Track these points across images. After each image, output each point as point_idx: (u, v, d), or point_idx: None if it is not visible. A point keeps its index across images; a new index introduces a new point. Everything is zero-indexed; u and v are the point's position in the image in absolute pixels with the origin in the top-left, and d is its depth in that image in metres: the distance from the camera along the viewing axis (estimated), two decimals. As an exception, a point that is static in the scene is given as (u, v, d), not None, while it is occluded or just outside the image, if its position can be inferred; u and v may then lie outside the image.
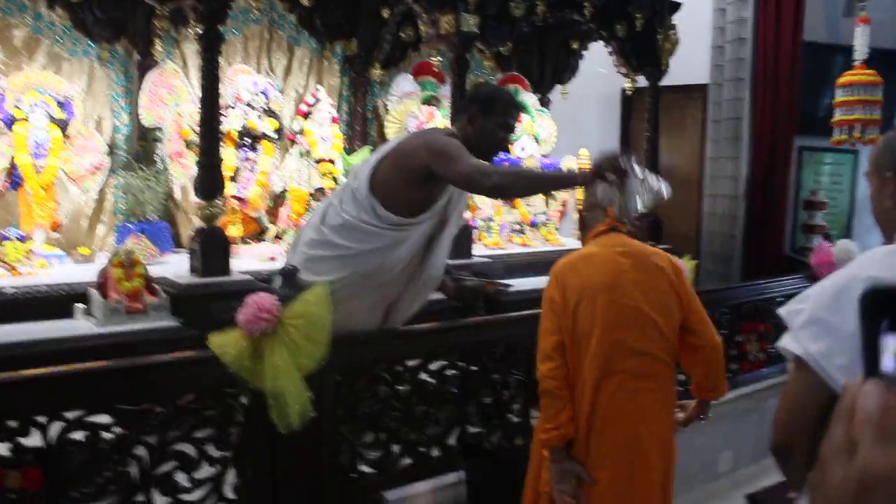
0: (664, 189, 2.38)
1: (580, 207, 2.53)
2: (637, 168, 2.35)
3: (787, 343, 1.50)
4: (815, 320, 1.46)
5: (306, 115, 5.09)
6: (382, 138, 5.77)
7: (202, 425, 2.33)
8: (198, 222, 3.78)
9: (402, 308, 2.86)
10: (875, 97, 5.07)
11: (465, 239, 4.44)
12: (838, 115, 5.11)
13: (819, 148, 6.52)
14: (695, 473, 3.84)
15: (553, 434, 2.26)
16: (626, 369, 2.25)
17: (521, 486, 2.63)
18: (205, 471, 2.34)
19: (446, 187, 2.67)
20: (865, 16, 5.12)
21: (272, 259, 4.43)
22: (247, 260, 4.38)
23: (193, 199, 4.34)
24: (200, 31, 3.60)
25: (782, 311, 1.54)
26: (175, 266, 4.01)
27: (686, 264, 3.09)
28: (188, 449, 2.30)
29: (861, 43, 5.13)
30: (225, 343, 2.32)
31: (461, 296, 3.11)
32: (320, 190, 4.95)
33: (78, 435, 2.11)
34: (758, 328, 4.46)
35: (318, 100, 5.11)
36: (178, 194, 4.89)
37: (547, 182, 2.94)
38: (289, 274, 2.53)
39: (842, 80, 5.13)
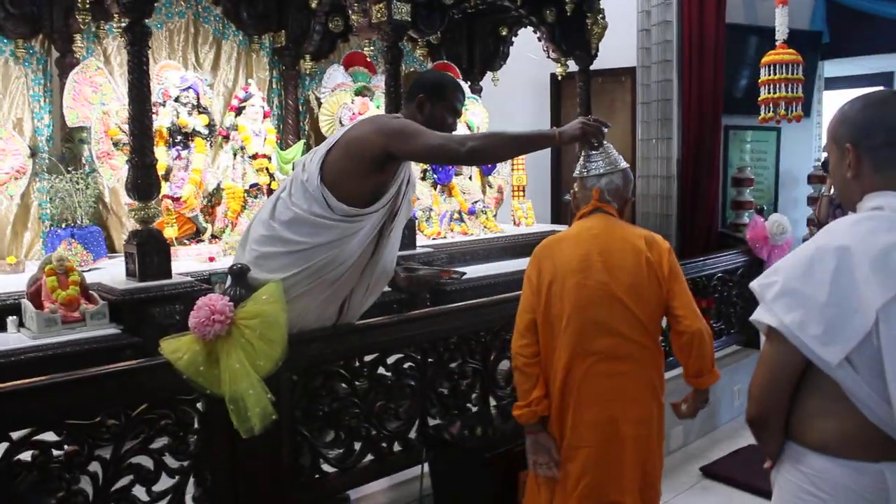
0: (621, 162, 2.46)
1: (573, 189, 2.53)
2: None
3: (760, 315, 1.52)
4: (787, 291, 1.48)
5: (238, 111, 4.95)
6: (316, 132, 5.66)
7: (158, 435, 2.24)
8: (131, 225, 3.62)
9: (356, 303, 2.80)
10: (797, 76, 5.22)
11: (409, 230, 4.40)
12: (764, 94, 5.24)
13: (742, 126, 6.71)
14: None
15: (525, 412, 2.32)
16: (598, 351, 2.26)
17: (485, 474, 2.63)
18: (163, 482, 2.25)
19: (397, 175, 2.63)
20: (783, -3, 5.27)
21: (211, 259, 4.31)
22: (185, 261, 4.24)
23: (125, 200, 4.17)
24: (125, 26, 3.43)
25: (754, 285, 1.56)
26: (111, 272, 3.83)
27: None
28: (145, 461, 2.21)
29: (781, 24, 5.28)
30: (177, 348, 2.24)
31: (414, 286, 3.07)
32: (256, 186, 4.83)
33: (25, 455, 2.00)
34: (700, 304, 4.56)
35: (249, 94, 4.97)
36: (107, 197, 4.69)
37: (525, 142, 2.63)
38: (239, 273, 2.44)
39: (766, 59, 5.26)
